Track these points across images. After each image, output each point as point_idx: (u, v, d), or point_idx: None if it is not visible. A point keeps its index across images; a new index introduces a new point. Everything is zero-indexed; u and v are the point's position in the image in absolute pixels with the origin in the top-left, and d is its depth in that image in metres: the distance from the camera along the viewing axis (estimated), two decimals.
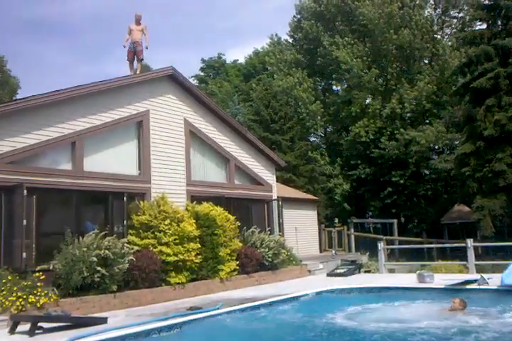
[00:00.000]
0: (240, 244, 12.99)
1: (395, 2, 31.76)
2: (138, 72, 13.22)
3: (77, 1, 64.35)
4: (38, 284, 8.42)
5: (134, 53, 13.23)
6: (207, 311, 8.73)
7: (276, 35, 40.49)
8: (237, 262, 12.59)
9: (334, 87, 37.48)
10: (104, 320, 8.01)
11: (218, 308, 8.97)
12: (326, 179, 31.30)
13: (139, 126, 12.30)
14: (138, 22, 13.28)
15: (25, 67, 60.48)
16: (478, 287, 10.86)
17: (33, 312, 8.04)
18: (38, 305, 8.21)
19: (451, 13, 35.18)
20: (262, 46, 43.48)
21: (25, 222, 9.07)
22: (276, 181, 17.66)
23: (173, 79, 13.37)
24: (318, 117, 33.90)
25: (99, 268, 9.12)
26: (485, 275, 11.17)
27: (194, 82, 44.39)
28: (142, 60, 13.35)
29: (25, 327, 7.44)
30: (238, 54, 66.87)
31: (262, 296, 10.39)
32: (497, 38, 21.86)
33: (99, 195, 11.01)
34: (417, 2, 32.94)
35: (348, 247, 22.99)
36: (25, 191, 9.14)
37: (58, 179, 10.03)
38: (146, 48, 13.30)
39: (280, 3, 63.49)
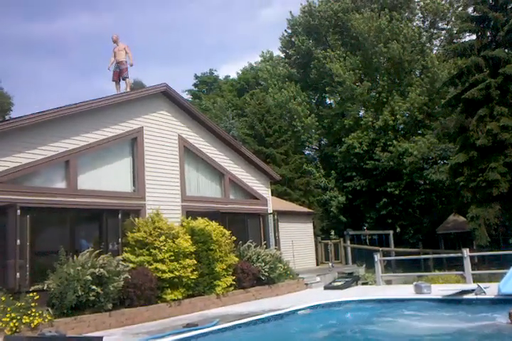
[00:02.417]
0: (236, 259, 12.95)
1: (383, 16, 32.23)
2: (128, 89, 13.32)
3: (68, 20, 64.88)
4: (32, 304, 8.36)
5: (119, 74, 13.40)
6: (204, 328, 8.68)
7: (268, 51, 40.95)
8: (234, 277, 12.54)
9: (327, 100, 37.80)
10: (99, 340, 7.91)
11: (215, 324, 8.92)
12: (321, 191, 31.35)
13: (133, 142, 12.33)
14: (117, 43, 13.49)
15: (17, 86, 60.64)
16: (475, 296, 10.86)
17: (27, 333, 7.97)
18: (32, 325, 8.13)
19: (440, 25, 35.70)
20: (256, 61, 43.92)
21: (18, 241, 9.02)
22: (272, 195, 17.67)
23: (167, 96, 13.46)
24: (313, 130, 34.11)
25: (93, 287, 9.07)
26: (482, 285, 11.16)
27: (187, 97, 44.68)
28: (126, 77, 13.48)
29: None
30: (231, 69, 67.45)
31: (259, 311, 10.34)
32: (487, 49, 22.15)
33: (94, 213, 10.99)
34: (406, 15, 33.43)
35: (344, 259, 22.94)
36: (18, 210, 9.11)
37: (52, 198, 10.01)
38: (131, 65, 13.49)
39: (270, 20, 64.29)
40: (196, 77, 49.03)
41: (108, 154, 11.71)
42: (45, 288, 9.05)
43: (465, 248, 14.04)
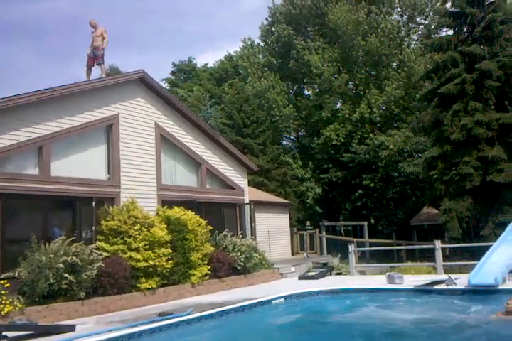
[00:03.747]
0: (212, 248, 12.93)
1: (361, 9, 32.29)
2: (103, 75, 13.07)
3: (46, 2, 63.21)
4: (3, 292, 8.20)
5: (94, 59, 13.13)
6: (177, 317, 8.65)
7: (249, 38, 40.67)
8: (209, 266, 12.53)
9: (306, 91, 37.82)
10: (71, 328, 7.85)
11: (189, 314, 8.90)
12: (298, 182, 31.49)
13: (109, 129, 12.13)
14: (95, 27, 13.23)
15: None
16: (446, 287, 11.10)
17: None
18: (3, 313, 7.99)
19: (418, 19, 35.97)
20: (235, 50, 43.58)
21: None
22: (249, 185, 17.67)
23: (144, 83, 13.26)
24: (291, 121, 34.16)
25: (66, 275, 8.95)
26: (452, 276, 11.41)
27: (165, 85, 44.08)
28: (102, 63, 13.21)
29: None
30: (209, 58, 66.89)
31: (233, 301, 10.37)
32: (463, 44, 22.38)
33: (67, 200, 10.81)
34: (384, 9, 33.58)
35: (319, 250, 23.15)
36: None
37: (24, 184, 9.80)
38: (103, 49, 13.15)
39: (251, 8, 63.79)
40: (174, 65, 48.43)
41: (83, 141, 11.50)
42: (16, 275, 8.88)
43: (437, 240, 14.31)
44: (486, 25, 21.75)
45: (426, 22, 35.23)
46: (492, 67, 20.73)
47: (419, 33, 36.09)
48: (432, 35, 31.18)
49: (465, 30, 23.38)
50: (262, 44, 39.01)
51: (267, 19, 37.96)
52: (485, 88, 20.98)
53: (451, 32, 24.29)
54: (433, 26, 32.82)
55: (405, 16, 35.84)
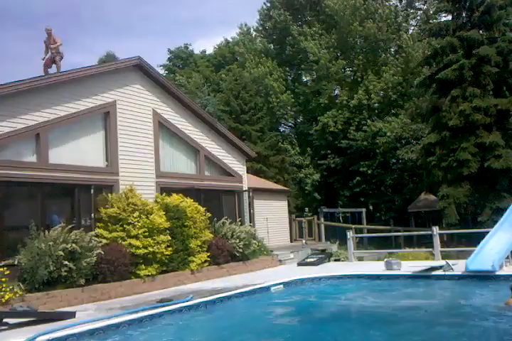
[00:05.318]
0: (211, 235, 12.96)
1: None
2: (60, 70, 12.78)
3: None
4: (3, 279, 8.23)
5: (52, 59, 13.05)
6: (177, 303, 8.70)
7: (245, 24, 40.29)
8: (208, 253, 12.57)
9: (303, 78, 37.60)
10: (72, 315, 7.89)
11: (189, 300, 8.95)
12: (296, 169, 31.50)
13: (106, 116, 12.05)
14: (50, 35, 13.03)
15: None
16: (443, 273, 11.17)
17: None
18: (3, 300, 8.03)
19: (417, 4, 35.64)
20: (232, 36, 43.20)
21: None
22: (247, 172, 17.65)
23: (141, 69, 13.13)
24: (289, 107, 34.02)
25: (66, 262, 8.97)
26: (450, 262, 11.48)
27: (162, 72, 43.72)
28: (58, 61, 13.06)
29: None
30: (206, 44, 66.14)
31: (232, 287, 10.43)
32: (462, 29, 22.20)
33: (66, 188, 10.78)
34: None
35: (318, 236, 23.25)
36: None
37: (22, 172, 9.76)
38: (56, 48, 13.00)
39: None
40: (170, 51, 47.98)
41: (80, 128, 11.43)
42: (15, 263, 8.90)
43: (435, 226, 14.38)
44: (485, 10, 21.57)
45: (425, 7, 34.93)
46: (490, 52, 20.62)
47: (418, 18, 35.81)
48: (431, 21, 30.91)
49: (464, 15, 23.18)
50: (260, 28, 38.68)
51: (264, 3, 37.64)
52: (483, 74, 20.88)
53: (449, 17, 24.11)
54: (431, 11, 32.52)
55: (404, 1, 35.51)
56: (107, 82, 12.11)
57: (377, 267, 12.68)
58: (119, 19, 65.56)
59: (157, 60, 52.48)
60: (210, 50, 46.75)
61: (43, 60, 13.28)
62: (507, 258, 11.54)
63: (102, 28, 69.23)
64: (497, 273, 10.56)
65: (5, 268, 8.44)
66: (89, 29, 67.35)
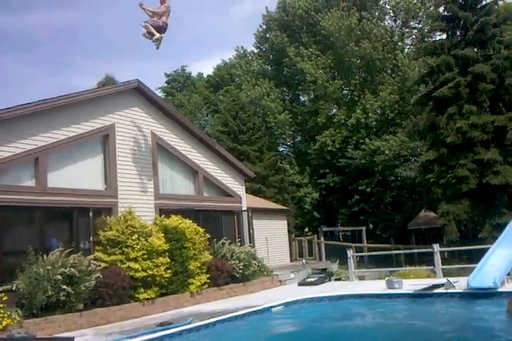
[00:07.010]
0: (210, 257, 12.90)
1: (353, 14, 32.48)
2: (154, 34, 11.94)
3: (38, 13, 63.26)
4: (1, 305, 8.16)
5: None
6: (177, 326, 8.62)
7: (242, 47, 40.88)
8: (208, 275, 12.49)
9: (301, 98, 37.95)
10: (70, 340, 7.80)
11: (189, 323, 8.87)
12: (295, 188, 31.50)
13: (105, 139, 12.13)
14: (144, 10, 11.89)
15: None
16: (445, 291, 11.09)
17: None
18: (1, 327, 7.95)
19: (411, 24, 36.19)
20: (229, 58, 43.82)
21: None
22: (246, 192, 17.65)
23: (139, 92, 13.28)
24: (287, 127, 34.24)
25: (64, 287, 8.91)
26: (451, 279, 11.41)
27: (160, 94, 44.17)
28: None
29: None
30: (202, 66, 66.97)
31: (232, 309, 10.34)
32: (456, 48, 22.50)
33: (64, 211, 10.78)
34: (376, 14, 33.80)
35: (318, 256, 23.11)
36: None
37: (21, 196, 9.77)
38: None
39: (243, 16, 64.10)
40: (167, 75, 48.54)
41: (79, 151, 11.49)
42: (13, 288, 8.84)
43: (435, 243, 14.31)
44: (479, 29, 21.90)
45: (419, 26, 35.46)
46: (485, 69, 20.87)
47: (413, 37, 36.31)
48: (426, 39, 31.38)
49: (458, 33, 23.54)
50: (256, 51, 39.22)
51: (260, 26, 38.23)
52: (479, 91, 21.08)
53: (444, 36, 24.47)
54: (426, 30, 33.02)
55: (399, 21, 36.08)
56: (106, 105, 12.23)
57: (378, 286, 12.58)
58: (117, 42, 66.49)
59: (154, 82, 52.94)
60: (208, 71, 47.41)
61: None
62: (508, 274, 11.47)
63: (101, 51, 70.14)
64: (499, 289, 10.49)
65: (3, 294, 8.38)
66: (88, 52, 68.19)
